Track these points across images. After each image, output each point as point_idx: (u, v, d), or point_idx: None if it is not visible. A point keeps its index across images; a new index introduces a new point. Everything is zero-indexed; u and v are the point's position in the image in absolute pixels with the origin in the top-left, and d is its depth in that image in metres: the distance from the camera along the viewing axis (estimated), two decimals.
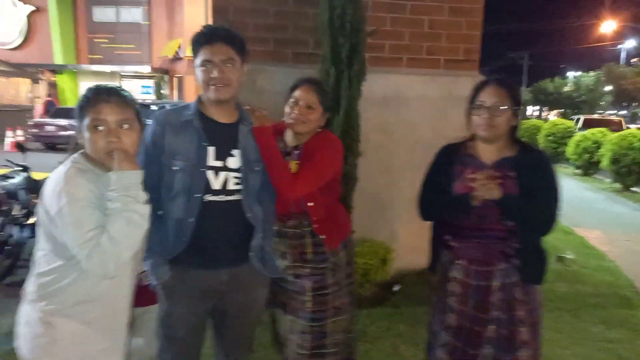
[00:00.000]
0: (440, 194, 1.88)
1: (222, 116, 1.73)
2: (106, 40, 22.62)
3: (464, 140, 1.96)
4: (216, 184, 1.69)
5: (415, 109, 3.84)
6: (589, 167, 11.44)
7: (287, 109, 1.98)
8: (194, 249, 1.68)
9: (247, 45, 1.73)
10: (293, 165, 1.95)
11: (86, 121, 1.38)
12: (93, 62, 22.79)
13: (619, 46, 41.15)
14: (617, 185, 9.83)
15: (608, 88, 39.91)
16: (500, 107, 1.77)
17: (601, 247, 5.45)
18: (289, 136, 2.04)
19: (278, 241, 2.01)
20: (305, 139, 2.00)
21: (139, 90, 23.19)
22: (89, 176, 1.37)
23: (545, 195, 1.79)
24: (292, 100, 1.97)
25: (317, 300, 2.03)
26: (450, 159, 1.92)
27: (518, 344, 1.81)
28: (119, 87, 1.47)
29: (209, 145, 1.68)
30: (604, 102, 42.76)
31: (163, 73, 23.03)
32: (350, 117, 3.27)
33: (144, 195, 1.40)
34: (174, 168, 1.65)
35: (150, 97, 21.79)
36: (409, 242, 4.06)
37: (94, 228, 1.30)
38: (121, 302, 1.49)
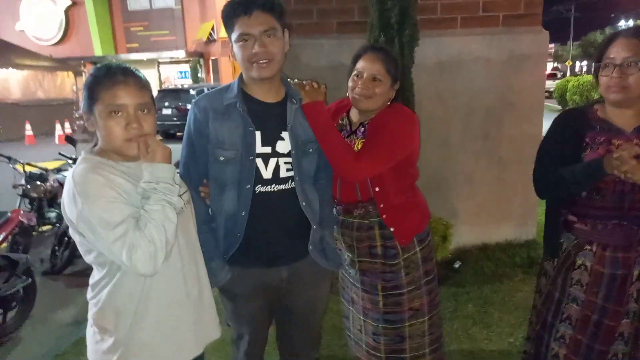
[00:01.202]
0: (565, 166, 1.60)
1: (268, 95, 1.54)
2: (141, 28, 22.87)
3: (588, 104, 1.69)
4: (266, 172, 1.52)
5: (473, 74, 3.55)
6: None
7: (350, 83, 1.75)
8: (249, 247, 1.55)
9: (282, 5, 1.50)
10: (358, 144, 1.73)
11: (100, 107, 1.23)
12: (130, 51, 23.17)
13: None
14: None
15: None
16: (634, 64, 1.47)
17: None
18: (354, 113, 1.82)
19: (343, 233, 1.84)
20: (372, 115, 1.76)
21: (176, 75, 23.48)
22: (103, 171, 1.24)
23: None
24: (355, 72, 1.73)
25: (389, 300, 1.84)
26: (577, 126, 1.64)
27: None
28: (131, 67, 1.31)
29: (255, 130, 1.51)
30: None
31: (198, 57, 23.15)
32: (404, 86, 3.03)
33: (176, 189, 1.26)
34: (221, 159, 1.50)
35: (187, 82, 22.00)
36: (470, 218, 3.86)
37: (122, 222, 1.17)
38: (175, 294, 1.37)
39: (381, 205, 1.76)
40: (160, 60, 23.32)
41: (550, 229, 1.75)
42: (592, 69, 1.63)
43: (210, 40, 21.64)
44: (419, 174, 1.88)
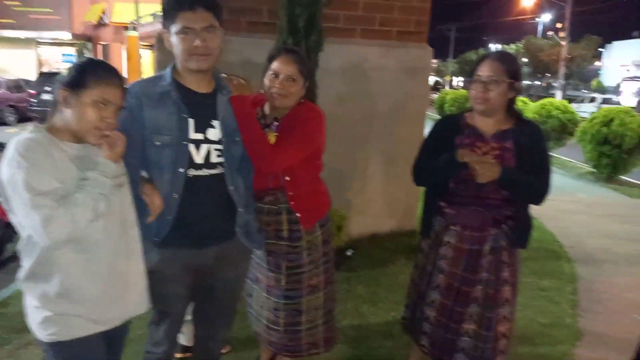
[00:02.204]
0: (437, 160, 1.95)
1: (200, 86, 1.65)
2: (18, 3, 20.44)
3: (463, 112, 2.05)
4: (198, 157, 1.64)
5: (372, 80, 3.94)
6: None
7: (266, 82, 1.90)
8: (180, 228, 1.64)
9: (221, 8, 1.63)
10: (272, 137, 1.89)
11: (88, 94, 1.35)
12: (4, 27, 20.58)
13: (537, 19, 43.63)
14: None
15: (526, 60, 42.34)
16: (494, 82, 1.84)
17: None
18: (268, 108, 1.98)
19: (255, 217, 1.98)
20: (286, 111, 1.93)
21: (60, 58, 21.42)
22: (48, 147, 1.33)
23: (541, 166, 1.89)
24: (271, 72, 1.88)
25: (291, 279, 2.04)
26: (451, 129, 1.99)
27: (501, 302, 1.97)
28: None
29: (189, 117, 1.62)
30: (522, 74, 45.36)
31: (86, 40, 21.36)
32: (309, 88, 3.29)
33: (111, 183, 1.41)
34: (157, 143, 1.59)
35: None
36: (361, 209, 4.26)
37: (47, 192, 1.27)
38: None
39: (290, 193, 1.95)
40: (40, 41, 21.07)
41: (426, 213, 2.12)
42: (464, 84, 2.02)
43: (100, 24, 20.13)
44: (323, 166, 2.11)
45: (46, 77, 12.73)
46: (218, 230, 1.73)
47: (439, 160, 1.94)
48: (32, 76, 15.34)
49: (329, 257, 2.14)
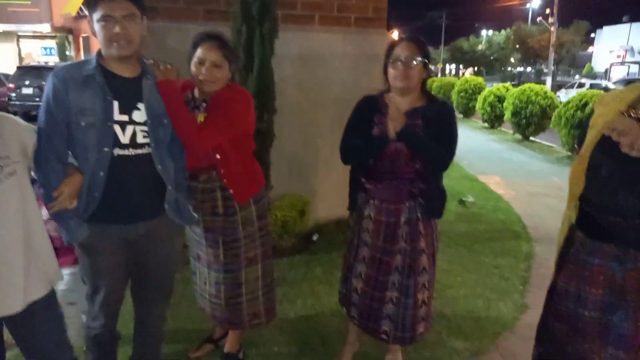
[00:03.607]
0: (360, 138, 2.08)
1: (125, 71, 1.74)
2: None
3: (381, 92, 2.16)
4: (124, 138, 1.72)
5: (331, 67, 3.98)
6: (494, 120, 12.41)
7: (194, 69, 1.96)
8: (108, 204, 1.73)
9: None
10: (200, 118, 1.98)
11: None
12: None
13: (527, 5, 43.59)
14: (518, 136, 10.83)
15: (517, 46, 42.41)
16: (414, 60, 1.98)
17: (499, 191, 6.10)
18: (197, 91, 2.05)
19: (190, 196, 2.06)
20: (212, 93, 2.00)
21: (40, 52, 21.21)
22: None
23: (444, 138, 2.01)
24: (196, 60, 1.95)
25: (229, 252, 2.14)
26: (370, 108, 2.12)
27: (419, 270, 2.10)
28: None
29: (113, 99, 1.69)
30: (512, 60, 45.55)
31: (66, 32, 21.15)
32: (264, 75, 3.35)
33: None
34: (82, 124, 1.66)
35: (54, 59, 20.03)
36: (327, 195, 4.32)
37: None
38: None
39: (222, 171, 2.06)
40: (20, 34, 20.85)
41: (351, 189, 2.22)
42: (382, 65, 2.10)
43: (80, 15, 19.88)
44: (255, 146, 2.21)
45: (25, 71, 12.67)
46: (146, 206, 1.82)
47: (369, 139, 2.05)
48: (13, 70, 15.21)
49: (265, 231, 2.25)
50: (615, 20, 44.92)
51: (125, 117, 1.72)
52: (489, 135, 11.57)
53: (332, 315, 2.86)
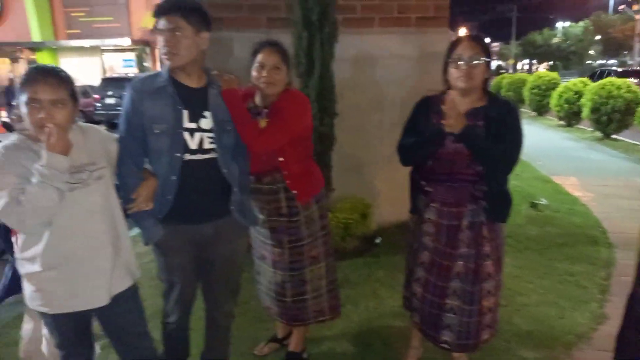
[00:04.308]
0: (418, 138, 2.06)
1: (191, 81, 1.87)
2: (83, 14, 22.06)
3: (440, 93, 2.12)
4: (192, 144, 1.85)
5: (390, 68, 3.97)
6: (571, 118, 11.66)
7: (254, 73, 2.08)
8: (180, 206, 1.86)
9: (201, 10, 1.80)
10: (263, 123, 2.07)
11: (23, 98, 1.54)
12: (71, 37, 22.30)
13: None
14: (598, 134, 10.09)
15: (597, 37, 39.55)
16: (476, 60, 1.92)
17: (575, 193, 5.72)
18: (258, 98, 2.16)
19: (255, 198, 2.17)
20: (273, 99, 2.10)
21: (121, 64, 22.86)
22: (24, 150, 1.58)
23: (508, 139, 1.93)
24: (257, 64, 2.07)
25: (293, 251, 2.22)
26: (428, 109, 2.09)
27: (484, 276, 2.03)
28: (55, 67, 1.61)
29: (183, 109, 1.83)
30: (592, 52, 42.53)
31: (144, 45, 22.63)
32: (325, 78, 3.41)
33: (64, 177, 1.56)
34: (156, 131, 1.81)
35: (133, 71, 21.50)
36: (388, 197, 4.29)
37: (3, 189, 1.50)
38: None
39: (285, 173, 2.14)
40: (103, 48, 22.59)
41: (412, 192, 2.19)
42: (442, 64, 2.05)
43: (156, 28, 21.21)
44: (313, 147, 2.30)
45: (108, 82, 13.72)
46: (214, 208, 1.93)
47: (425, 135, 2.03)
48: (97, 82, 16.52)
49: (327, 230, 2.32)
50: None
51: (193, 125, 1.85)
52: (565, 134, 10.88)
53: (395, 317, 2.83)
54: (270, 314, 2.44)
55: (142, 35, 22.10)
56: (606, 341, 2.60)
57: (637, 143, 9.15)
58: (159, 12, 1.78)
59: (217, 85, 1.92)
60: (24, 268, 1.67)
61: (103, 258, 1.71)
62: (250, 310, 2.91)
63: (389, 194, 4.29)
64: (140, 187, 1.81)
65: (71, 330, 1.76)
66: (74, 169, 1.62)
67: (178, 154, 1.82)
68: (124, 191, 1.82)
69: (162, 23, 1.76)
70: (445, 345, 2.12)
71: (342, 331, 2.70)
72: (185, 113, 1.83)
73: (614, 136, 9.87)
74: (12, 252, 1.88)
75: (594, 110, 9.83)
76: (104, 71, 22.43)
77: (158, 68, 22.29)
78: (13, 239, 1.73)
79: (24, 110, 1.55)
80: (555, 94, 12.15)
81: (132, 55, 22.72)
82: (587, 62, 42.10)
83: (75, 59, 21.93)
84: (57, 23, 22.47)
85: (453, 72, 1.97)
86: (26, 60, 21.82)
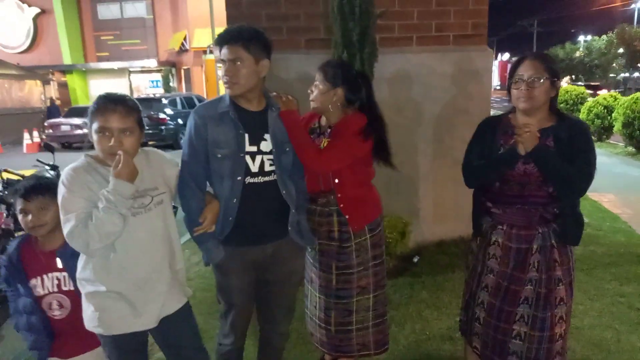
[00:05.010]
0: (483, 158, 2.00)
1: (252, 105, 1.90)
2: (112, 37, 22.86)
3: (505, 113, 2.07)
4: (254, 167, 1.87)
5: (428, 86, 3.96)
6: (602, 133, 11.41)
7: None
8: (240, 228, 1.87)
9: (261, 39, 1.82)
10: (325, 142, 2.09)
11: (93, 125, 1.59)
12: (101, 59, 23.06)
13: (632, 6, 40.00)
14: (631, 149, 9.84)
15: (621, 50, 38.89)
16: (537, 80, 1.86)
17: (615, 210, 5.56)
18: (324, 120, 2.18)
19: (307, 219, 2.12)
20: (334, 120, 2.11)
21: (147, 84, 23.47)
22: (92, 173, 1.61)
23: (580, 159, 1.86)
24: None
25: (341, 278, 2.16)
26: (493, 130, 2.03)
27: (557, 301, 1.94)
28: (125, 96, 1.67)
29: (244, 133, 1.85)
30: (616, 65, 41.81)
31: (170, 66, 23.22)
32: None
33: (129, 203, 1.60)
34: (219, 156, 1.83)
35: (159, 91, 22.02)
36: (427, 215, 4.25)
37: (73, 212, 1.55)
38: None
39: (339, 195, 2.11)
40: (131, 69, 23.27)
41: (475, 214, 2.13)
42: (507, 85, 2.02)
43: (182, 50, 21.76)
44: (374, 173, 2.24)
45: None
46: (273, 228, 1.94)
47: (495, 156, 1.97)
48: None
49: (380, 260, 2.23)
50: None
51: (254, 148, 1.87)
52: (597, 149, 10.56)
53: (443, 340, 2.77)
54: (314, 341, 2.37)
55: (168, 56, 22.71)
56: None
57: None
58: (220, 41, 1.81)
59: (276, 107, 1.94)
60: (84, 288, 1.70)
61: (161, 280, 1.74)
62: (294, 331, 2.88)
63: (424, 211, 4.25)
64: (206, 210, 1.82)
65: (130, 350, 1.78)
66: (138, 194, 1.65)
67: (239, 178, 1.84)
68: (188, 214, 1.85)
69: (223, 53, 1.80)
70: None
71: (391, 354, 2.64)
72: (247, 137, 1.86)
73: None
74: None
75: (626, 124, 9.60)
76: (131, 92, 23.05)
77: (183, 88, 22.85)
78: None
79: (94, 138, 1.60)
80: (584, 109, 11.93)
81: (158, 76, 23.32)
82: (610, 75, 41.36)
83: (103, 81, 22.63)
84: (87, 46, 23.31)
85: (514, 93, 1.93)
86: (57, 82, 22.62)
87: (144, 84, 23.72)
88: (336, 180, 2.10)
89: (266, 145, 1.89)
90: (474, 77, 4.00)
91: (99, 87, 23.00)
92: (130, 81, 23.69)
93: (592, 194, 6.32)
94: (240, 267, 1.93)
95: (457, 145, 4.11)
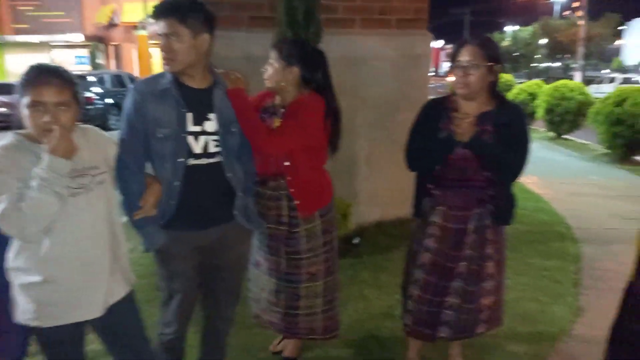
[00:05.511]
0: (425, 144, 2.05)
1: (195, 82, 1.79)
2: (32, 8, 20.90)
3: (447, 95, 2.12)
4: (197, 148, 1.78)
5: (372, 69, 3.99)
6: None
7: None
8: (183, 212, 1.79)
9: (200, 11, 1.70)
10: (277, 122, 2.02)
11: (25, 100, 1.45)
12: (18, 32, 21.08)
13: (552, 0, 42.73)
14: (552, 134, 10.60)
15: (543, 41, 41.48)
16: (474, 66, 1.91)
17: (538, 191, 5.98)
18: (278, 98, 2.11)
19: (256, 202, 2.07)
20: (289, 100, 2.05)
21: (73, 61, 21.84)
22: (24, 152, 1.47)
23: (517, 144, 1.96)
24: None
25: (290, 263, 2.13)
26: (436, 113, 2.07)
27: (485, 277, 2.07)
28: (59, 67, 1.52)
29: (187, 112, 1.76)
30: (539, 56, 44.61)
31: (98, 41, 21.73)
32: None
33: (65, 182, 1.47)
34: (159, 135, 1.73)
35: (86, 68, 20.59)
36: (368, 198, 4.33)
37: (3, 194, 1.40)
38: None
39: (289, 179, 2.06)
40: (53, 44, 21.51)
41: (417, 195, 2.20)
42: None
43: (111, 24, 20.43)
44: (327, 158, 2.20)
45: None
46: (218, 212, 1.87)
47: (435, 141, 2.02)
48: None
49: (330, 246, 2.20)
50: None
51: (198, 128, 1.78)
52: None
53: (385, 318, 2.85)
54: (262, 322, 2.34)
55: (96, 31, 21.22)
56: (586, 333, 2.75)
57: (588, 143, 9.67)
58: (155, 14, 1.70)
59: (223, 84, 1.85)
60: (18, 279, 1.56)
61: (104, 266, 1.63)
62: (237, 315, 2.84)
63: (366, 193, 4.32)
64: (147, 193, 1.72)
65: (67, 343, 1.66)
66: (76, 173, 1.53)
67: (181, 159, 1.75)
68: (128, 197, 1.74)
69: (159, 26, 1.69)
70: (442, 334, 2.14)
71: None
72: (190, 116, 1.76)
73: (565, 136, 10.40)
74: None
75: (548, 111, 10.31)
76: None
77: (112, 65, 21.54)
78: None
79: (25, 112, 1.45)
80: (510, 96, 12.65)
81: (84, 52, 21.76)
82: (534, 64, 44.15)
83: (22, 55, 20.76)
84: (3, 17, 21.17)
85: (452, 78, 1.99)
86: None
87: (68, 60, 22.03)
88: (287, 163, 2.04)
89: (211, 125, 1.80)
90: (415, 62, 4.09)
91: (17, 62, 21.12)
92: (52, 56, 21.93)
93: None
94: (184, 252, 1.86)
95: (398, 129, 4.20)
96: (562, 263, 3.71)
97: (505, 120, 1.97)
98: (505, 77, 15.06)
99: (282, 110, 2.07)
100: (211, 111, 1.80)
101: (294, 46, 2.08)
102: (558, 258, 3.81)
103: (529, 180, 6.55)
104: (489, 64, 1.94)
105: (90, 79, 12.93)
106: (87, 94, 12.02)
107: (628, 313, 1.78)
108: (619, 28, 42.62)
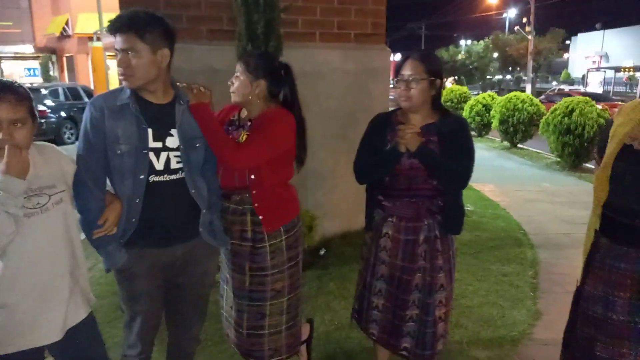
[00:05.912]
0: (374, 156, 2.08)
1: (156, 97, 1.75)
2: None
3: (395, 109, 2.16)
4: (158, 164, 1.73)
5: (332, 82, 4.04)
6: (482, 128, 12.62)
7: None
8: (146, 229, 1.73)
9: (159, 26, 1.66)
10: (243, 136, 1.98)
11: None
12: None
13: (504, 15, 44.76)
14: (506, 144, 11.03)
15: (496, 55, 43.20)
16: (415, 80, 1.95)
17: (495, 198, 6.19)
18: (244, 111, 2.08)
19: (221, 217, 2.02)
20: (256, 113, 2.02)
21: (23, 73, 20.97)
22: None
23: (461, 154, 2.00)
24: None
25: (255, 280, 2.06)
26: (383, 126, 2.11)
27: (437, 288, 2.09)
28: (14, 83, 1.46)
29: (147, 127, 1.71)
30: (492, 69, 46.40)
31: (50, 53, 20.98)
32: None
33: (20, 202, 1.41)
34: (118, 152, 1.68)
35: (37, 80, 19.80)
36: (332, 209, 4.35)
37: None
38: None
39: (254, 192, 2.00)
40: (2, 55, 20.60)
41: (368, 207, 2.22)
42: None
43: (64, 35, 19.75)
44: (293, 173, 2.18)
45: None
46: (182, 229, 1.82)
47: (381, 154, 2.06)
48: None
49: (295, 262, 2.16)
50: (589, 27, 46.33)
51: (159, 144, 1.74)
52: (478, 144, 11.59)
53: (352, 329, 2.85)
54: (228, 342, 2.28)
55: (47, 42, 20.48)
56: (545, 336, 2.85)
57: (540, 151, 10.11)
58: (111, 29, 1.65)
59: (184, 99, 1.81)
60: None
61: (62, 287, 1.57)
62: (203, 332, 2.77)
63: (331, 205, 4.35)
64: (107, 211, 1.66)
65: None
66: (32, 192, 1.47)
67: (142, 176, 1.70)
68: (86, 215, 1.67)
69: (117, 41, 1.64)
70: (404, 352, 2.16)
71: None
72: (150, 132, 1.72)
73: (520, 145, 10.84)
74: None
75: (502, 121, 10.73)
76: None
77: (66, 78, 20.80)
78: None
79: None
80: (467, 107, 13.09)
81: (35, 64, 20.94)
82: (488, 77, 45.93)
83: None
84: None
85: (396, 92, 2.03)
86: None
87: (18, 72, 21.13)
88: (252, 177, 1.99)
89: (173, 141, 1.76)
90: (374, 75, 4.18)
91: None
92: (1, 69, 20.98)
93: (475, 184, 6.97)
94: (147, 271, 1.80)
95: (358, 141, 4.27)
96: (520, 268, 3.85)
97: (448, 131, 2.02)
98: (462, 89, 15.60)
99: (249, 123, 2.04)
100: (173, 127, 1.76)
101: (260, 59, 2.06)
102: (517, 263, 3.95)
103: (486, 188, 6.78)
104: (431, 78, 1.99)
105: (43, 91, 12.42)
106: (40, 107, 11.57)
107: (579, 317, 1.85)
108: (566, 42, 45.03)
